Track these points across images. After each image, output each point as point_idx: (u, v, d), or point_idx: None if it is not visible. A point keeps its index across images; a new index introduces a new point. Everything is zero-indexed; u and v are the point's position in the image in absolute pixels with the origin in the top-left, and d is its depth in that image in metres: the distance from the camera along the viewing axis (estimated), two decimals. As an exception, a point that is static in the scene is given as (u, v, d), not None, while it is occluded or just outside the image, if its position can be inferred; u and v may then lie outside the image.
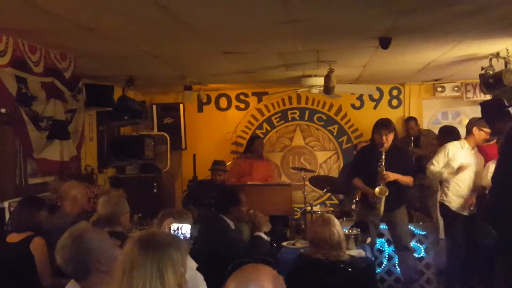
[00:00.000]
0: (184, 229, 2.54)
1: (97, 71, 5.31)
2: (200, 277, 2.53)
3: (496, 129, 3.64)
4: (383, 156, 4.57)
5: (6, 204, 3.86)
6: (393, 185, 4.62)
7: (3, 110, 3.69)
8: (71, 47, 4.17)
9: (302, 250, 3.98)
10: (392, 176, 4.59)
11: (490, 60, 4.79)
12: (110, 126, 6.40)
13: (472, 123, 5.08)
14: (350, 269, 3.05)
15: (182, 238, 2.49)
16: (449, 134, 5.46)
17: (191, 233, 2.60)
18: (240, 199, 4.07)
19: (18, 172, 4.25)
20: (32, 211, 3.33)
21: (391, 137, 4.64)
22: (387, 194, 4.56)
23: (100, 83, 5.65)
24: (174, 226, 2.58)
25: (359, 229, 4.47)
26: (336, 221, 3.12)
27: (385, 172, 4.55)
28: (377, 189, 4.56)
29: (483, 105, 4.85)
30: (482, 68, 4.85)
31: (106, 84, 5.69)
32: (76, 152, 4.97)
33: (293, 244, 4.45)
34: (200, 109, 7.78)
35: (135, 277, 1.64)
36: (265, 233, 4.00)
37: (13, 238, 3.27)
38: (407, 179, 4.74)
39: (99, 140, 6.21)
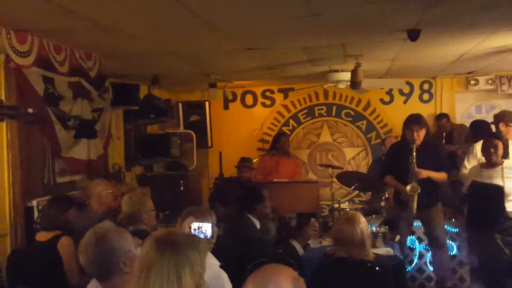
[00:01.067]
0: (205, 228, 2.52)
1: (123, 70, 5.35)
2: (225, 275, 2.50)
3: None
4: (414, 153, 4.43)
5: (34, 203, 3.92)
6: (427, 182, 4.48)
7: (30, 110, 3.73)
8: (96, 47, 4.21)
9: (328, 249, 3.92)
10: (424, 173, 4.46)
11: (526, 50, 4.58)
12: (136, 125, 6.45)
13: (498, 118, 4.89)
14: (377, 268, 2.96)
15: (202, 237, 2.46)
16: (480, 129, 5.28)
17: (213, 232, 2.58)
18: (263, 195, 4.05)
19: (46, 171, 4.31)
20: (61, 210, 3.37)
21: (422, 133, 4.51)
22: (419, 191, 4.43)
23: (126, 81, 5.70)
24: (195, 225, 2.56)
25: (387, 227, 4.36)
26: (362, 219, 3.02)
27: (416, 169, 4.42)
28: (408, 187, 4.44)
29: None
30: (517, 59, 4.64)
31: (132, 82, 5.73)
32: (103, 151, 5.02)
33: (320, 242, 4.37)
34: (226, 107, 7.77)
35: (152, 277, 1.62)
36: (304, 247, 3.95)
37: (42, 236, 3.31)
38: (440, 176, 4.60)
39: (126, 138, 6.27)
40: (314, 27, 3.69)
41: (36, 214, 3.89)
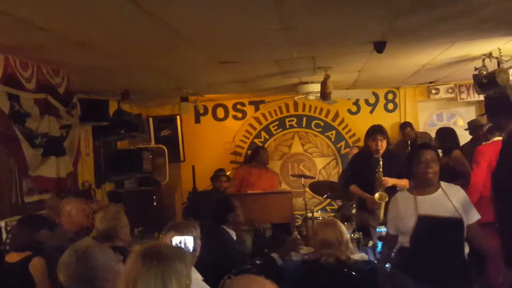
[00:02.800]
0: (187, 242, 2.50)
1: (91, 86, 5.28)
2: None
3: (498, 125, 3.58)
4: (381, 162, 4.55)
5: (2, 223, 3.79)
6: (390, 189, 4.60)
7: (-5, 129, 3.63)
8: (64, 62, 4.13)
9: (306, 256, 3.95)
10: (390, 181, 4.58)
11: (483, 60, 4.80)
12: (106, 141, 6.35)
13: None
14: (354, 273, 3.02)
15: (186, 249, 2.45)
16: (447, 135, 5.44)
17: (195, 245, 2.56)
18: (233, 204, 4.08)
19: (14, 191, 4.18)
20: (31, 230, 3.27)
21: (385, 142, 4.64)
22: (387, 199, 4.52)
23: (95, 97, 5.61)
24: (176, 239, 2.54)
25: (361, 233, 4.44)
26: (340, 223, 3.20)
27: (383, 178, 4.53)
28: (376, 195, 4.54)
29: (489, 98, 4.53)
30: (476, 69, 4.86)
31: (101, 98, 5.65)
32: (72, 168, 4.90)
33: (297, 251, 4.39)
34: (197, 120, 7.77)
35: None
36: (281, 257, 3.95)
37: (13, 257, 3.20)
38: (403, 182, 4.71)
39: (95, 155, 6.16)
40: (286, 40, 3.76)
41: (4, 235, 3.76)
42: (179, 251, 1.82)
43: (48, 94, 4.24)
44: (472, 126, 5.79)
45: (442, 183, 3.04)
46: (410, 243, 2.94)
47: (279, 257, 3.83)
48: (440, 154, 5.65)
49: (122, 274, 1.72)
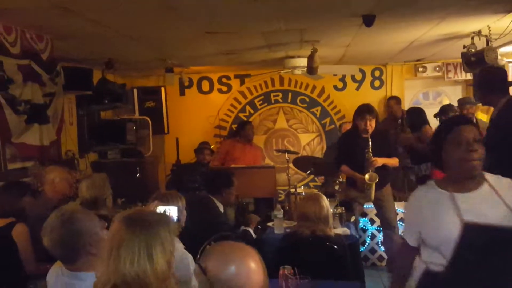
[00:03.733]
0: (171, 211, 2.51)
1: (75, 54, 5.18)
2: (190, 257, 2.51)
3: (487, 99, 3.56)
4: (370, 142, 4.56)
5: (-15, 190, 3.74)
6: (380, 168, 4.65)
7: (-22, 94, 3.55)
8: (48, 28, 4.04)
9: (288, 230, 4.01)
10: (380, 161, 4.61)
11: (472, 38, 4.82)
12: (90, 110, 6.26)
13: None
14: (335, 246, 3.08)
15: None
16: (417, 113, 5.70)
17: (179, 216, 2.58)
18: (233, 181, 4.08)
19: (-4, 158, 4.11)
20: (15, 196, 3.26)
21: (374, 122, 4.64)
22: (377, 180, 4.57)
23: (79, 66, 5.51)
24: (161, 208, 2.54)
25: (343, 208, 4.51)
26: (324, 198, 3.20)
27: (373, 158, 4.56)
28: (366, 176, 4.57)
29: (485, 70, 4.22)
30: (464, 47, 4.88)
31: (85, 67, 5.55)
32: (56, 137, 4.83)
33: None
34: (182, 93, 7.70)
35: (122, 255, 1.60)
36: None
37: (-5, 223, 3.18)
38: (393, 161, 4.77)
39: (79, 124, 6.09)
40: (274, 11, 3.73)
41: (-13, 201, 3.71)
42: (164, 217, 1.82)
43: (31, 60, 4.14)
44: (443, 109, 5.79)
45: (487, 175, 2.08)
46: (449, 266, 1.97)
47: (252, 231, 3.89)
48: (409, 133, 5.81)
49: (106, 240, 1.72)
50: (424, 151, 5.45)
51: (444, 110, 5.38)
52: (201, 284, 1.47)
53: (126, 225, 1.65)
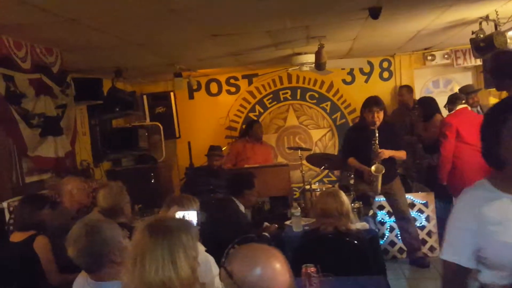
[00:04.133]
0: (190, 216, 2.52)
1: (85, 64, 5.23)
2: (212, 259, 2.53)
3: (504, 85, 3.43)
4: (377, 134, 4.55)
5: (5, 204, 3.81)
6: (387, 160, 4.64)
7: (-8, 111, 3.60)
8: (57, 41, 4.08)
9: (306, 227, 4.01)
10: (387, 153, 4.61)
11: (480, 23, 4.75)
12: (102, 119, 6.32)
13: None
14: (356, 242, 3.06)
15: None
16: (429, 103, 5.71)
17: (198, 220, 2.58)
18: (254, 183, 4.10)
19: (14, 172, 4.18)
20: (35, 209, 3.29)
21: (381, 114, 4.63)
22: (383, 171, 4.56)
23: (88, 76, 5.56)
24: (180, 214, 2.55)
25: (361, 202, 4.49)
26: (342, 193, 3.18)
27: (379, 150, 4.54)
28: (373, 168, 4.59)
29: (500, 53, 4.20)
30: (473, 32, 4.82)
31: (94, 77, 5.60)
32: (70, 148, 4.90)
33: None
34: (191, 96, 7.73)
35: (147, 263, 1.62)
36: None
37: (17, 237, 3.23)
38: (400, 154, 4.75)
39: (92, 134, 6.15)
40: (278, 9, 3.72)
41: (7, 215, 3.78)
42: (185, 223, 1.84)
43: (42, 74, 4.20)
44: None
45: None
46: None
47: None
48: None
49: (130, 248, 1.74)
50: (431, 141, 5.49)
51: (451, 100, 5.30)
52: (227, 287, 1.47)
53: (149, 234, 1.67)
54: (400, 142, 4.88)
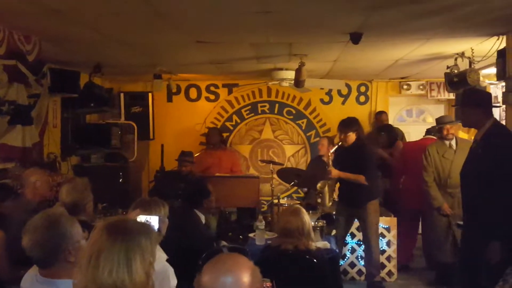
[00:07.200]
0: (152, 222, 2.47)
1: (63, 56, 5.14)
2: (171, 270, 2.48)
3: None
4: (332, 155, 4.88)
5: (-36, 191, 3.69)
6: (354, 184, 4.75)
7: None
8: (36, 29, 4.02)
9: (269, 241, 4.02)
10: (335, 172, 4.79)
11: (456, 59, 4.93)
12: (75, 113, 6.23)
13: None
14: (315, 260, 3.10)
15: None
16: (393, 130, 6.36)
17: (160, 226, 2.54)
18: (209, 190, 4.12)
19: (-23, 158, 4.07)
20: None
21: (350, 136, 4.76)
22: (326, 188, 4.93)
23: (66, 68, 5.48)
24: (142, 218, 2.49)
25: (325, 221, 4.54)
26: (305, 211, 3.22)
27: (329, 167, 4.79)
28: (319, 184, 5.00)
29: (470, 90, 4.34)
30: (448, 67, 4.98)
31: (72, 69, 5.52)
32: (38, 139, 4.79)
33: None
34: (170, 99, 7.69)
35: (101, 263, 1.57)
36: None
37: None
38: (352, 177, 4.78)
39: (63, 127, 6.04)
40: (264, 24, 3.77)
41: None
42: (145, 227, 1.79)
43: (18, 61, 4.12)
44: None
45: None
46: None
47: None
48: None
49: (86, 247, 1.69)
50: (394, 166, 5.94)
51: (428, 132, 5.77)
52: None
53: (107, 233, 1.62)
54: (365, 165, 4.88)
